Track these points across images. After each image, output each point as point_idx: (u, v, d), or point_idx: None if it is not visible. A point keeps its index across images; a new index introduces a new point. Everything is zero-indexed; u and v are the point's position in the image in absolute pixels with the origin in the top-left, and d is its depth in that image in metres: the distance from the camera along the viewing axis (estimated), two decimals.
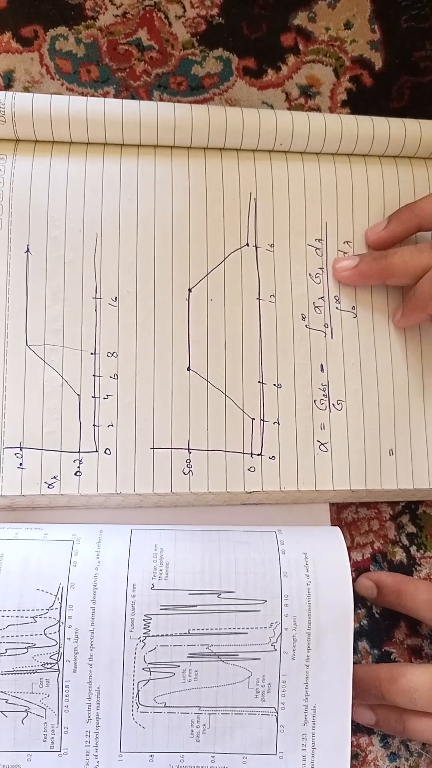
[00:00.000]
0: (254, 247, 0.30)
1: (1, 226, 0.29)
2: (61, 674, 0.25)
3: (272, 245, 0.30)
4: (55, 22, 0.34)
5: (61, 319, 0.28)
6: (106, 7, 0.35)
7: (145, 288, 0.29)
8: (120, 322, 0.29)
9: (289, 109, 0.35)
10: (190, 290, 0.29)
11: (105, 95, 0.34)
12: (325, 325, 0.30)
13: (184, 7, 0.35)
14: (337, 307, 0.31)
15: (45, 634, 0.25)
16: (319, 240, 0.31)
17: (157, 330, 0.29)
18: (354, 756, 0.30)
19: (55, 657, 0.25)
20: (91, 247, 0.29)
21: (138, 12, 0.35)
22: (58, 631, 0.25)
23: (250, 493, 0.29)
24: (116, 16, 0.35)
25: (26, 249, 0.29)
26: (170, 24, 0.35)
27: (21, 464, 0.27)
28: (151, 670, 0.26)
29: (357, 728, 0.30)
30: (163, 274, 0.29)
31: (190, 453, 0.28)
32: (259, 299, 0.30)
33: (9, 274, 0.28)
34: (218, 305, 0.29)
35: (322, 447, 0.29)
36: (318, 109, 0.35)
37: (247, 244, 0.30)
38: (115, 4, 0.35)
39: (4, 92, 0.29)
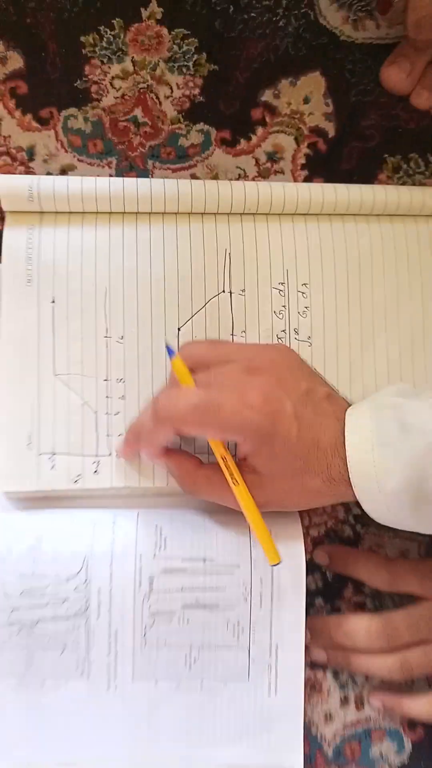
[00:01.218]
0: (229, 293, 0.38)
1: (31, 282, 0.37)
2: (88, 620, 0.34)
3: (243, 290, 0.39)
4: (67, 104, 0.42)
5: (80, 354, 0.37)
6: (107, 91, 0.42)
7: (144, 328, 0.37)
8: (126, 355, 0.37)
9: (258, 172, 0.42)
10: (179, 329, 0.38)
11: (108, 164, 0.42)
12: None
13: (171, 89, 0.43)
14: (296, 338, 0.39)
15: (75, 591, 0.34)
16: (281, 284, 0.39)
17: (154, 360, 0.37)
18: (312, 687, 0.39)
19: (84, 608, 0.34)
20: (102, 297, 0.37)
21: (134, 94, 0.43)
22: (85, 589, 0.34)
23: None
24: (116, 98, 0.42)
25: (52, 300, 0.37)
26: (160, 103, 0.43)
27: (53, 466, 0.36)
28: (155, 616, 0.34)
29: (314, 666, 0.39)
30: (158, 316, 0.38)
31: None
32: (232, 335, 0.38)
33: (39, 320, 0.37)
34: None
35: None
36: (282, 172, 0.43)
37: (224, 291, 0.38)
38: (115, 88, 0.42)
39: (31, 177, 0.37)
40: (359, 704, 0.39)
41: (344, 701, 0.39)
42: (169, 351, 0.34)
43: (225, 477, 0.33)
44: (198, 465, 0.34)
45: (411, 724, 0.39)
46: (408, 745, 0.39)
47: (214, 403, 0.31)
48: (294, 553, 0.35)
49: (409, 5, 0.38)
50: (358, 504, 0.32)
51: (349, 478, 0.31)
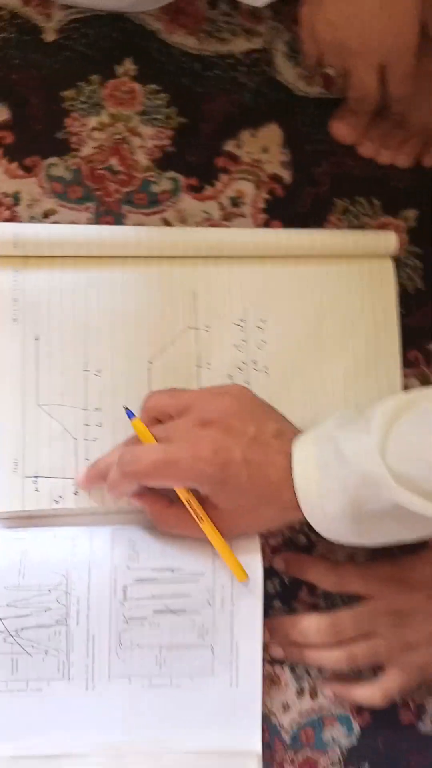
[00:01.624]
0: (195, 329, 0.43)
1: (17, 321, 0.41)
2: (68, 627, 0.38)
3: (208, 326, 0.43)
4: (49, 153, 0.46)
5: (62, 386, 0.41)
6: (86, 141, 0.46)
7: (119, 362, 0.41)
8: (103, 387, 0.41)
9: (222, 215, 0.47)
10: (150, 362, 0.42)
11: (87, 209, 0.46)
12: (246, 382, 0.43)
13: (144, 140, 0.47)
14: (254, 369, 0.43)
15: (57, 601, 0.38)
16: (242, 320, 0.44)
17: (128, 391, 0.41)
18: (271, 680, 0.43)
19: (64, 615, 0.38)
20: (81, 334, 0.41)
21: (110, 144, 0.47)
22: (66, 598, 0.38)
23: None
24: (94, 147, 0.46)
25: (36, 337, 0.41)
26: (134, 153, 0.47)
27: (37, 488, 0.40)
28: (129, 621, 0.38)
29: (273, 661, 0.43)
30: (132, 351, 0.42)
31: None
32: (198, 366, 0.42)
33: (24, 356, 0.41)
34: (171, 372, 0.42)
35: None
36: (244, 216, 0.47)
37: (190, 327, 0.43)
38: (93, 139, 0.46)
39: (16, 225, 0.41)
40: (313, 694, 0.43)
41: (300, 692, 0.43)
42: (129, 414, 0.39)
43: (186, 516, 0.37)
44: (167, 504, 0.38)
45: (359, 709, 0.43)
46: (356, 729, 0.43)
47: (172, 459, 0.35)
48: (251, 563, 0.40)
49: (350, 83, 0.43)
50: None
51: (299, 504, 0.36)
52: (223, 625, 0.39)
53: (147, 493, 0.38)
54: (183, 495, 0.37)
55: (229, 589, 0.39)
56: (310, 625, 0.41)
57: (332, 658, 0.40)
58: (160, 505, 0.38)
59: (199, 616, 0.39)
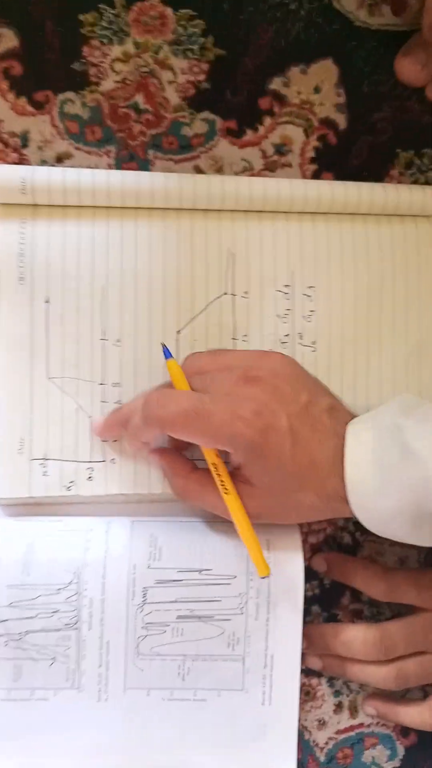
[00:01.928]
0: (231, 295, 0.37)
1: (24, 280, 0.35)
2: (79, 631, 0.33)
3: (247, 293, 0.37)
4: (63, 87, 0.40)
5: (75, 357, 0.35)
6: (107, 74, 0.40)
7: (142, 331, 0.36)
8: (122, 359, 0.36)
9: (264, 165, 0.41)
10: (178, 332, 0.36)
11: (107, 153, 0.40)
12: None
13: (175, 74, 0.41)
14: (300, 343, 0.38)
15: (66, 602, 0.33)
16: (287, 286, 0.38)
17: (152, 365, 0.36)
18: (306, 693, 0.39)
19: (75, 619, 0.33)
20: (98, 298, 0.36)
21: (135, 78, 0.40)
22: (77, 599, 0.33)
23: None
24: (116, 82, 0.40)
25: (46, 299, 0.35)
26: (163, 89, 0.40)
27: (45, 472, 0.35)
28: (148, 628, 0.34)
29: (309, 672, 0.39)
30: (157, 319, 0.36)
31: None
32: (234, 339, 0.37)
33: (32, 321, 0.35)
34: (201, 345, 0.36)
35: None
36: (290, 166, 0.41)
37: (226, 293, 0.37)
38: (115, 71, 0.40)
39: (25, 167, 0.35)
40: (353, 711, 0.39)
41: (338, 708, 0.39)
42: (166, 352, 0.33)
43: (212, 484, 0.32)
44: (191, 469, 0.34)
45: (404, 730, 0.39)
46: (400, 751, 0.39)
47: (205, 411, 0.30)
48: (292, 564, 0.35)
49: (425, 7, 0.36)
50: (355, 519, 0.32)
51: (346, 495, 0.31)
52: (256, 635, 0.34)
53: (169, 451, 0.34)
54: (210, 458, 0.32)
55: (266, 595, 0.34)
56: (356, 636, 0.36)
57: (379, 675, 0.36)
58: (183, 467, 0.33)
59: (230, 623, 0.34)
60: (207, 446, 0.32)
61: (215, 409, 0.30)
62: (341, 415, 0.33)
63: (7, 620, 0.33)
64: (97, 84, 0.40)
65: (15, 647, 0.33)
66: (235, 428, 0.30)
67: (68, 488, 0.35)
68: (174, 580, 0.34)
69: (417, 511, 0.30)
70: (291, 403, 0.31)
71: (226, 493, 0.32)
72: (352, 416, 0.33)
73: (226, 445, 0.31)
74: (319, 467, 0.31)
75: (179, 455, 0.34)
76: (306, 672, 0.38)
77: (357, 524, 0.40)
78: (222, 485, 0.32)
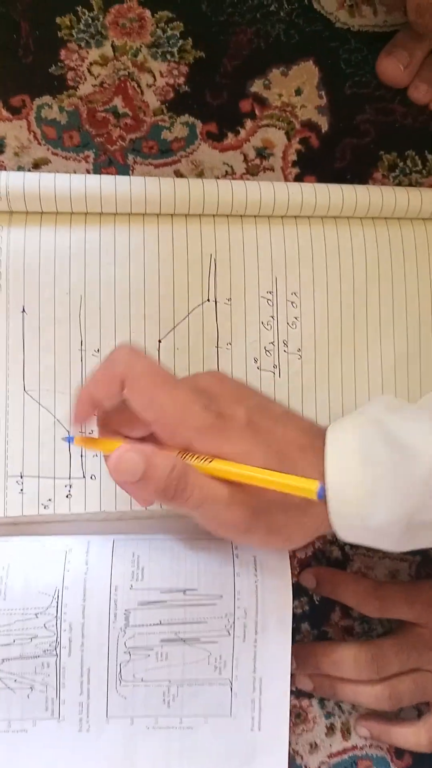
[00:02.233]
0: (214, 302, 0.36)
1: (0, 290, 0.34)
2: (58, 658, 0.32)
3: (229, 299, 0.36)
4: (40, 92, 0.39)
5: (53, 368, 0.34)
6: (85, 78, 0.39)
7: (121, 340, 0.35)
8: None
9: (246, 168, 0.40)
10: (160, 341, 0.35)
11: (86, 159, 0.39)
12: (274, 366, 0.36)
13: (154, 77, 0.40)
14: (284, 350, 0.36)
15: (45, 627, 0.32)
16: (270, 292, 0.37)
17: None
18: (297, 715, 0.37)
19: (54, 645, 0.32)
20: (76, 307, 0.34)
21: (114, 81, 0.39)
22: (56, 624, 0.32)
23: None
24: (94, 85, 0.39)
25: (22, 309, 0.34)
26: (142, 93, 0.39)
27: (21, 489, 0.33)
28: (131, 652, 0.32)
29: (300, 693, 0.37)
30: (137, 328, 0.35)
31: None
32: (217, 347, 0.35)
33: (8, 331, 0.34)
34: (183, 353, 0.35)
35: None
36: (272, 169, 0.40)
37: (208, 300, 0.36)
38: (93, 75, 0.39)
39: None
40: (345, 732, 0.37)
41: (330, 730, 0.37)
42: (69, 440, 0.32)
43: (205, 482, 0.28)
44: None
45: (399, 751, 0.37)
46: None
47: (179, 383, 0.28)
48: (280, 581, 0.33)
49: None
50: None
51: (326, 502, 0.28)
52: (244, 658, 0.33)
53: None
54: (172, 454, 0.28)
55: (253, 614, 0.33)
56: (347, 655, 0.34)
57: (372, 695, 0.34)
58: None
59: (216, 646, 0.32)
60: (156, 431, 0.28)
61: (166, 407, 0.28)
62: (305, 420, 0.30)
63: None
64: (75, 88, 0.39)
65: None
66: (186, 421, 0.27)
67: (45, 507, 0.33)
68: (157, 601, 0.32)
69: (412, 519, 0.28)
70: (246, 398, 0.29)
71: (208, 461, 0.28)
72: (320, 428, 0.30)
73: (182, 432, 0.28)
74: (287, 458, 0.28)
75: (157, 451, 0.29)
76: (296, 693, 0.37)
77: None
78: (201, 459, 0.28)
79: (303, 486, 0.26)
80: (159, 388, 0.28)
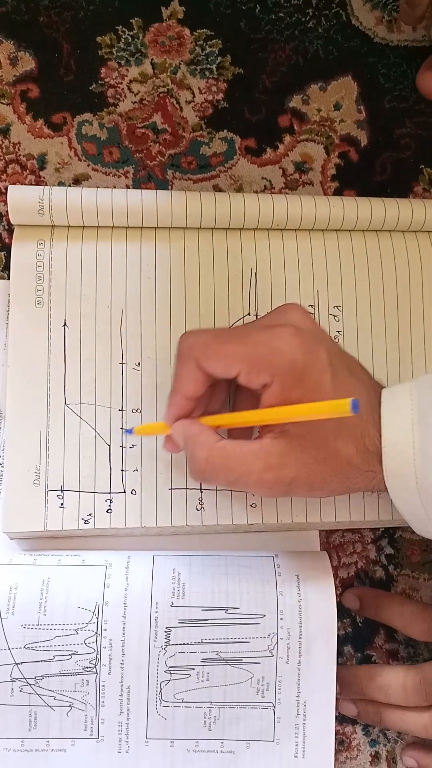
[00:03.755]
0: (255, 316, 0.35)
1: (42, 304, 0.34)
2: (98, 676, 0.31)
3: None
4: (81, 109, 0.39)
5: (94, 382, 0.34)
6: (125, 95, 0.40)
7: (162, 354, 0.34)
8: (142, 384, 0.34)
9: (285, 183, 0.40)
10: None
11: (125, 174, 0.39)
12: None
13: (193, 93, 0.40)
14: None
15: (85, 644, 0.31)
16: (311, 306, 0.36)
17: None
18: (340, 742, 0.36)
19: (94, 662, 0.31)
20: (117, 321, 0.34)
21: (153, 98, 0.40)
22: (96, 641, 0.31)
23: (252, 524, 0.34)
24: (134, 102, 0.40)
25: (64, 323, 0.34)
26: (181, 109, 0.40)
27: (62, 504, 0.33)
28: (171, 672, 0.31)
29: (343, 719, 0.36)
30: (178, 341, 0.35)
31: (202, 492, 0.34)
32: None
33: (50, 345, 0.34)
34: None
35: None
36: (311, 184, 0.40)
37: (249, 314, 0.35)
38: (132, 92, 0.40)
39: (42, 188, 0.34)
40: (391, 762, 0.36)
41: (375, 759, 0.36)
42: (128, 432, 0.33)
43: (239, 450, 0.28)
44: (218, 439, 0.29)
45: None
46: None
47: (240, 331, 0.29)
48: (324, 601, 0.32)
49: None
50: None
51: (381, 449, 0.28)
52: (287, 680, 0.32)
53: (194, 422, 0.30)
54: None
55: (297, 635, 0.32)
56: (394, 680, 0.33)
57: (420, 722, 0.33)
58: (206, 438, 0.29)
59: (259, 667, 0.31)
60: (242, 374, 0.28)
61: (250, 331, 0.29)
62: (372, 376, 0.31)
63: (22, 663, 0.31)
64: (115, 105, 0.39)
65: (30, 693, 0.31)
66: (274, 345, 0.28)
67: (86, 521, 0.33)
68: (199, 620, 0.31)
69: None
70: (326, 341, 0.30)
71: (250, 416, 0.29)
72: (381, 384, 0.31)
73: (263, 368, 0.28)
74: (358, 414, 0.27)
75: (205, 427, 0.30)
76: (339, 719, 0.36)
77: (390, 557, 0.37)
78: (241, 418, 0.29)
79: (335, 408, 0.26)
80: (232, 350, 0.29)
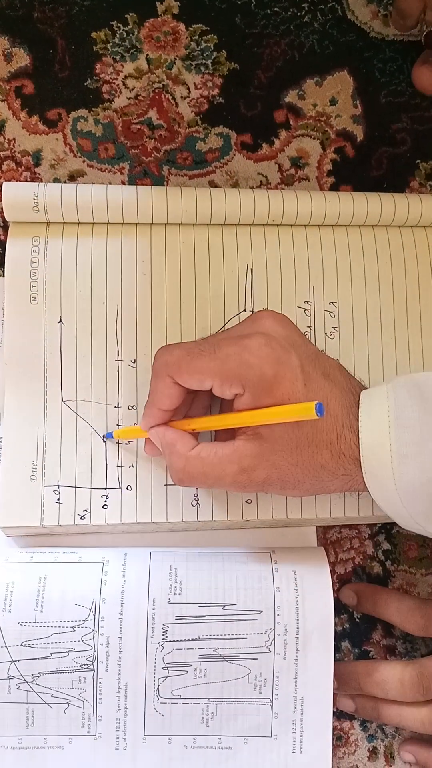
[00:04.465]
0: (251, 312, 0.35)
1: (37, 301, 0.34)
2: (95, 673, 0.31)
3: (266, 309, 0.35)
4: (76, 105, 0.39)
5: (90, 378, 0.34)
6: (120, 91, 0.39)
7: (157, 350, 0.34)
8: (138, 380, 0.34)
9: (281, 178, 0.39)
10: None
11: (121, 170, 0.39)
12: None
13: (188, 89, 0.40)
14: None
15: (82, 641, 0.31)
16: (307, 302, 0.36)
17: None
18: (338, 738, 0.36)
19: (91, 659, 0.31)
20: (113, 317, 0.34)
21: (148, 94, 0.40)
22: (93, 638, 0.31)
23: (247, 520, 0.34)
24: (129, 98, 0.39)
25: (59, 320, 0.34)
26: (177, 104, 0.40)
27: (58, 499, 0.33)
28: (169, 668, 0.31)
29: (341, 715, 0.36)
30: (174, 338, 0.34)
31: (197, 488, 0.34)
32: None
33: (46, 342, 0.34)
34: None
35: None
36: (307, 179, 0.40)
37: (245, 310, 0.35)
38: (128, 88, 0.40)
39: (37, 184, 0.34)
40: (389, 757, 0.36)
41: (372, 754, 0.36)
42: (108, 435, 0.33)
43: (213, 455, 0.29)
44: (194, 446, 0.30)
45: None
46: None
47: (211, 345, 0.29)
48: (321, 597, 0.32)
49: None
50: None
51: (360, 457, 0.29)
52: (285, 676, 0.32)
53: (172, 429, 0.31)
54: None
55: (294, 631, 0.32)
56: (391, 675, 0.33)
57: (418, 718, 0.33)
58: (184, 444, 0.30)
59: (256, 663, 0.31)
60: (214, 387, 0.29)
61: (220, 343, 0.29)
62: (353, 379, 0.31)
63: (19, 660, 0.30)
64: (110, 101, 0.39)
65: (27, 690, 0.31)
66: (243, 358, 0.28)
67: (82, 517, 0.33)
68: (196, 616, 0.31)
69: None
70: (300, 346, 0.30)
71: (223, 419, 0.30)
72: (362, 385, 0.31)
73: (234, 380, 0.28)
74: (332, 416, 0.29)
75: (181, 433, 0.30)
76: (337, 715, 0.36)
77: (387, 553, 0.37)
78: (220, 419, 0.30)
79: (300, 411, 0.27)
80: (201, 366, 0.29)
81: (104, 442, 0.33)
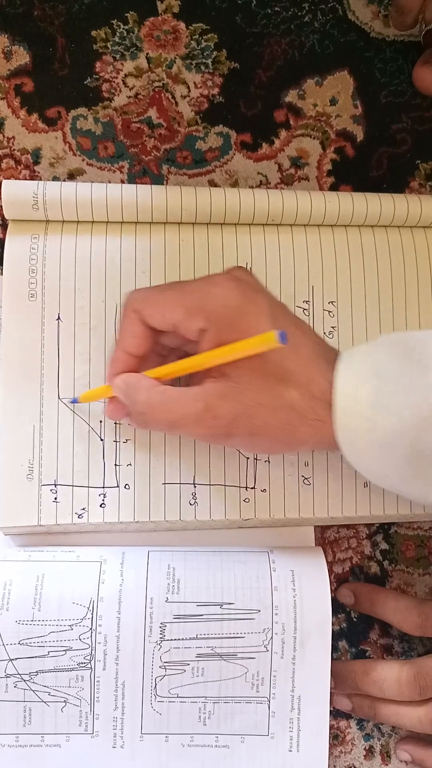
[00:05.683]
0: None
1: (35, 298, 0.34)
2: (93, 671, 0.31)
3: None
4: (75, 103, 0.39)
5: (87, 376, 0.34)
6: (120, 89, 0.39)
7: None
8: None
9: (281, 178, 0.39)
10: None
11: (120, 169, 0.39)
12: None
13: (188, 88, 0.40)
14: None
15: (80, 639, 0.31)
16: (306, 302, 0.36)
17: None
18: (335, 737, 0.36)
19: (88, 658, 0.31)
20: (111, 315, 0.34)
21: (148, 93, 0.40)
22: (90, 636, 0.31)
23: (246, 519, 0.34)
24: (129, 97, 0.39)
25: (57, 317, 0.34)
26: (177, 103, 0.40)
27: (55, 498, 0.33)
28: (166, 667, 0.31)
29: (337, 714, 0.36)
30: None
31: (195, 487, 0.34)
32: None
33: (43, 339, 0.34)
34: None
35: (305, 481, 0.34)
36: (307, 179, 0.40)
37: None
38: (127, 86, 0.39)
39: (36, 182, 0.34)
40: (385, 756, 0.36)
41: (369, 753, 0.36)
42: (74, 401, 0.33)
43: (179, 394, 0.28)
44: (155, 383, 0.29)
45: None
46: None
47: (180, 282, 0.29)
48: (319, 597, 0.32)
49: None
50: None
51: (332, 402, 0.28)
52: (282, 675, 0.32)
53: (132, 373, 0.31)
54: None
55: (292, 630, 0.32)
56: (388, 675, 0.33)
57: (414, 717, 0.33)
58: (145, 382, 0.29)
59: (253, 662, 0.31)
60: (179, 323, 0.28)
61: (188, 282, 0.29)
62: (325, 342, 0.31)
63: (16, 659, 0.30)
64: (110, 99, 0.39)
65: (24, 689, 0.31)
66: (207, 289, 0.28)
67: (79, 516, 0.33)
68: (193, 615, 0.31)
69: (420, 438, 0.26)
70: (270, 297, 0.30)
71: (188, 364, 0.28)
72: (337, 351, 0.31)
73: (198, 312, 0.28)
74: (303, 358, 0.28)
75: (145, 375, 0.30)
76: (334, 714, 0.36)
77: (385, 552, 0.37)
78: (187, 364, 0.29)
79: (262, 341, 0.26)
80: (168, 299, 0.29)
81: (71, 408, 0.32)
